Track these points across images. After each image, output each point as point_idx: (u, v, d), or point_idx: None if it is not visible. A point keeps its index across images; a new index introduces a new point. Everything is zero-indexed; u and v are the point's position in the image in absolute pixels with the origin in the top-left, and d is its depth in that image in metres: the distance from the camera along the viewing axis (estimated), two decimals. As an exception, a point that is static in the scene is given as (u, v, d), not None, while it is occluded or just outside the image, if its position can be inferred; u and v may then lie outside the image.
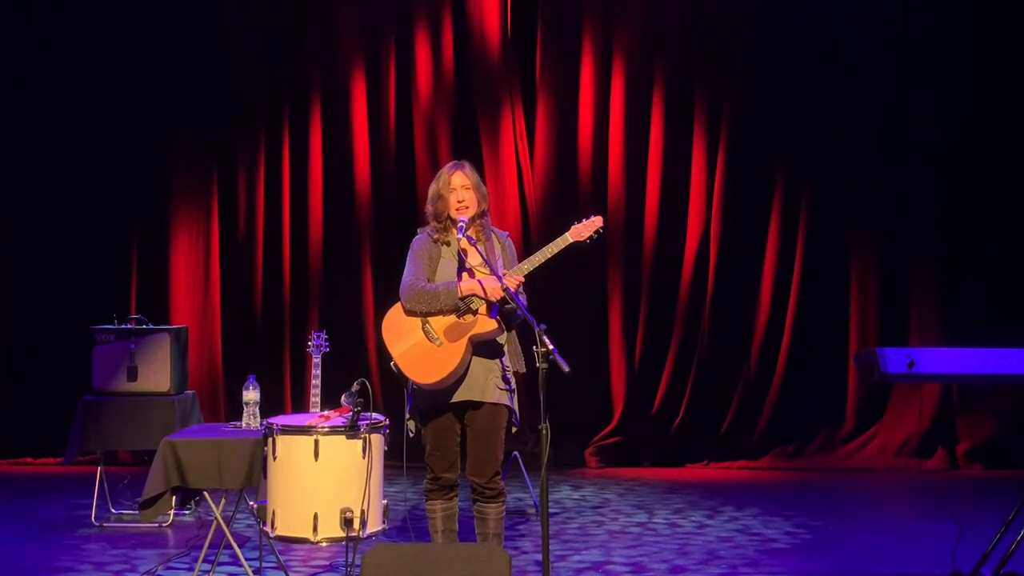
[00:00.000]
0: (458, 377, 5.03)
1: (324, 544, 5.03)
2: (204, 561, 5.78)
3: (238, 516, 6.55)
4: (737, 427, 9.31)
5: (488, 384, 5.09)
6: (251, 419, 5.81)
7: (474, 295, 5.03)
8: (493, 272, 4.99)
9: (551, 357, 4.44)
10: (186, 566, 6.04)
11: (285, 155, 9.38)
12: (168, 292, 9.30)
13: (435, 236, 5.20)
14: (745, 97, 9.31)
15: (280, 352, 9.31)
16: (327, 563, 6.13)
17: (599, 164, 9.35)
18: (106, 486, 7.24)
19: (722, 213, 9.31)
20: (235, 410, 7.97)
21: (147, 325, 7.34)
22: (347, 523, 4.92)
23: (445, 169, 5.25)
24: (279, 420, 5.19)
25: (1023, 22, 9.19)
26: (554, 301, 8.22)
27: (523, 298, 5.08)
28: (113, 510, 7.26)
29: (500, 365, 5.14)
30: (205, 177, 9.37)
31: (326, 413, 5.25)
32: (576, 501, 7.92)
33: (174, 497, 5.78)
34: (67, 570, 6.03)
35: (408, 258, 5.21)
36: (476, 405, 5.12)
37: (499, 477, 5.18)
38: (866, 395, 9.29)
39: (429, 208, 5.23)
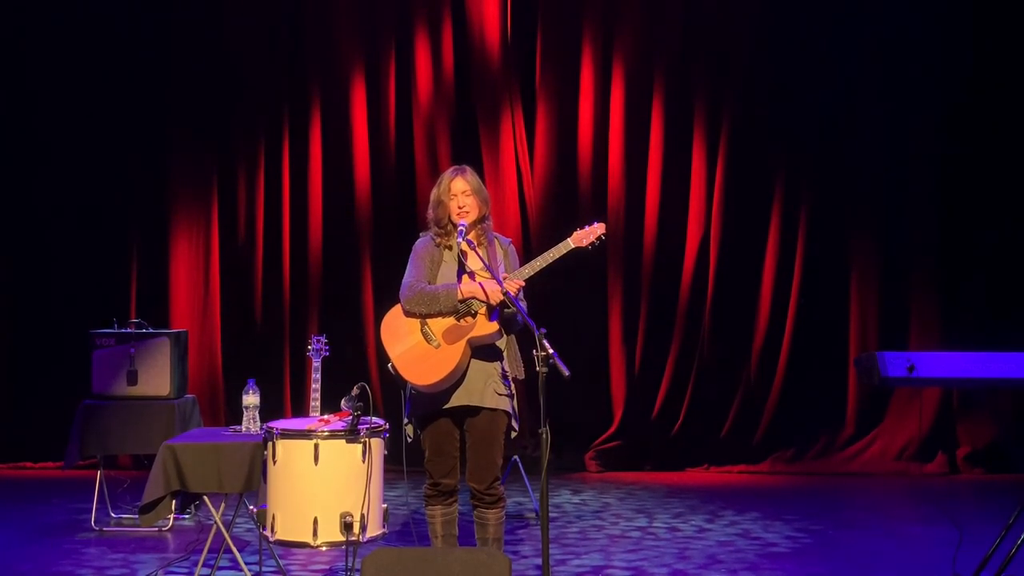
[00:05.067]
0: (455, 380, 5.02)
1: (324, 548, 5.03)
2: (204, 565, 5.78)
3: (238, 520, 6.55)
4: (737, 431, 9.31)
5: (487, 389, 5.08)
6: (251, 423, 5.82)
7: (474, 298, 5.02)
8: (493, 276, 4.99)
9: (551, 361, 4.44)
10: (186, 570, 6.04)
11: (285, 159, 9.38)
12: (168, 296, 9.29)
13: (437, 240, 5.20)
14: (745, 101, 9.31)
15: (280, 356, 9.30)
16: (327, 567, 6.13)
17: (599, 168, 9.34)
18: (106, 490, 7.24)
19: (722, 217, 9.31)
20: (235, 414, 8.00)
21: (147, 329, 7.34)
22: (347, 527, 4.92)
23: (446, 174, 5.24)
24: (279, 424, 5.19)
25: (1021, 25, 9.20)
26: (554, 305, 8.22)
27: (523, 303, 5.07)
28: (113, 514, 7.25)
29: (499, 370, 5.12)
30: (205, 181, 9.36)
31: (326, 417, 5.25)
32: (576, 505, 7.91)
33: (174, 501, 5.79)
34: (66, 574, 6.02)
35: (409, 260, 5.21)
36: (474, 411, 5.10)
37: (499, 483, 5.17)
38: (866, 399, 9.28)
39: (430, 213, 5.22)
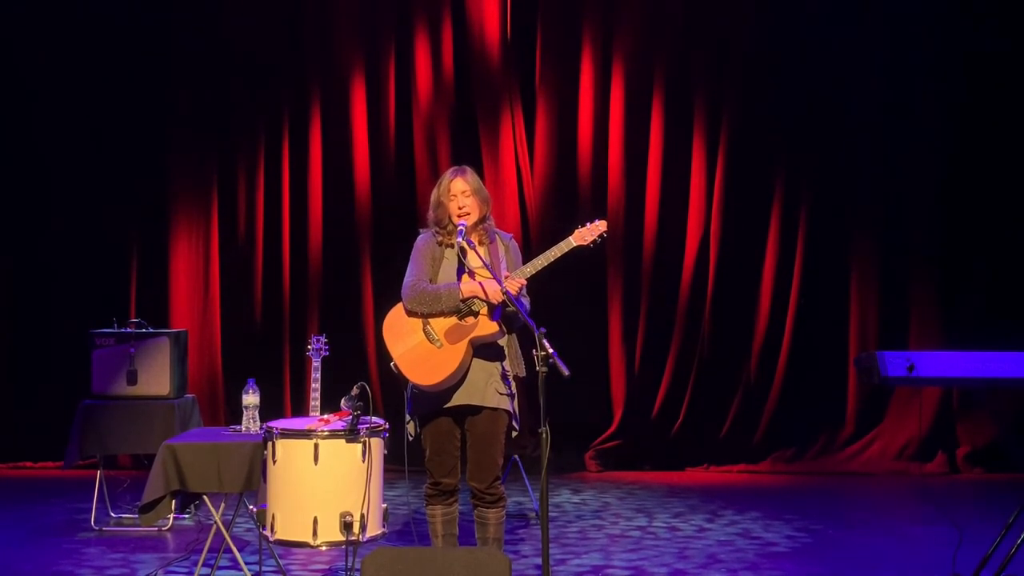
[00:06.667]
0: (458, 379, 5.02)
1: (324, 548, 5.03)
2: (204, 565, 5.78)
3: (238, 520, 6.54)
4: (737, 431, 9.30)
5: (488, 389, 5.08)
6: (251, 423, 5.82)
7: (475, 297, 5.02)
8: (493, 276, 4.99)
9: (551, 361, 4.44)
10: (186, 570, 6.04)
11: (285, 159, 9.38)
12: (168, 296, 9.29)
13: (439, 239, 5.20)
14: (745, 100, 9.31)
15: (280, 356, 9.30)
16: (327, 567, 6.13)
17: (599, 167, 9.34)
18: (106, 490, 7.24)
19: (722, 216, 9.30)
20: (235, 414, 7.99)
21: (147, 329, 7.34)
22: (347, 527, 4.92)
23: (446, 175, 5.25)
24: (279, 424, 5.19)
25: (1021, 24, 9.19)
26: (554, 304, 8.19)
27: (526, 301, 5.07)
28: (113, 514, 7.25)
29: (500, 369, 5.12)
30: (205, 181, 9.36)
31: (326, 417, 5.25)
32: (576, 505, 7.91)
33: (174, 501, 5.78)
34: (66, 574, 6.02)
35: (411, 258, 5.21)
36: (475, 410, 5.10)
37: (499, 482, 5.17)
38: (866, 399, 9.28)
39: (431, 215, 5.23)
